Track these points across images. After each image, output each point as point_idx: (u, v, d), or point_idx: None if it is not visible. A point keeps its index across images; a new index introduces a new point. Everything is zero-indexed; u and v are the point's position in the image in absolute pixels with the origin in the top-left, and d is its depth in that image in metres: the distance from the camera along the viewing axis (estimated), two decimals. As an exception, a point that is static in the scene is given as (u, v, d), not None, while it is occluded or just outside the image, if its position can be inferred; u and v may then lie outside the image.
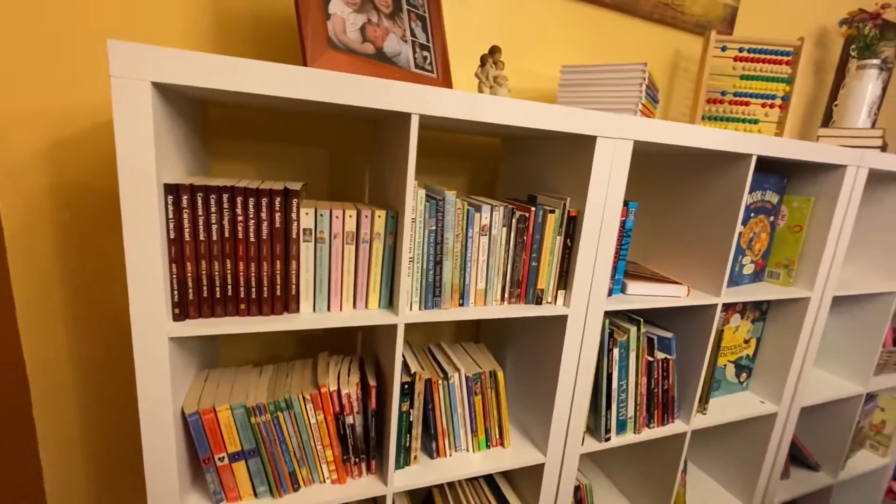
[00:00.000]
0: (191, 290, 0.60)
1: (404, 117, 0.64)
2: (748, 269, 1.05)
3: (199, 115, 0.76)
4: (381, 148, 0.81)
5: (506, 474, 1.01)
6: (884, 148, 1.18)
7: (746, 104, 1.12)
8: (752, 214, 1.01)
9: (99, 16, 0.75)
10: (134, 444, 0.94)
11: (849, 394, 1.24)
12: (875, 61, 1.25)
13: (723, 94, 1.13)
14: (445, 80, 0.81)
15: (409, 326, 1.09)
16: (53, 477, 0.89)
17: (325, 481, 0.74)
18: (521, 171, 0.94)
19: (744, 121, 1.12)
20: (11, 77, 0.73)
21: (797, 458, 1.37)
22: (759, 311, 1.13)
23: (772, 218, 1.07)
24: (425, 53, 0.78)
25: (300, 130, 0.91)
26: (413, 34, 0.76)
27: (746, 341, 1.14)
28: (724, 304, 1.04)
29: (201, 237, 0.59)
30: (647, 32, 1.17)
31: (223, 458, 0.67)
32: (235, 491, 0.69)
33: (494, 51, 0.83)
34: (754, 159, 0.86)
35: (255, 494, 0.71)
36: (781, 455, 1.17)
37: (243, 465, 0.69)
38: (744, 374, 1.17)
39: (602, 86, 0.85)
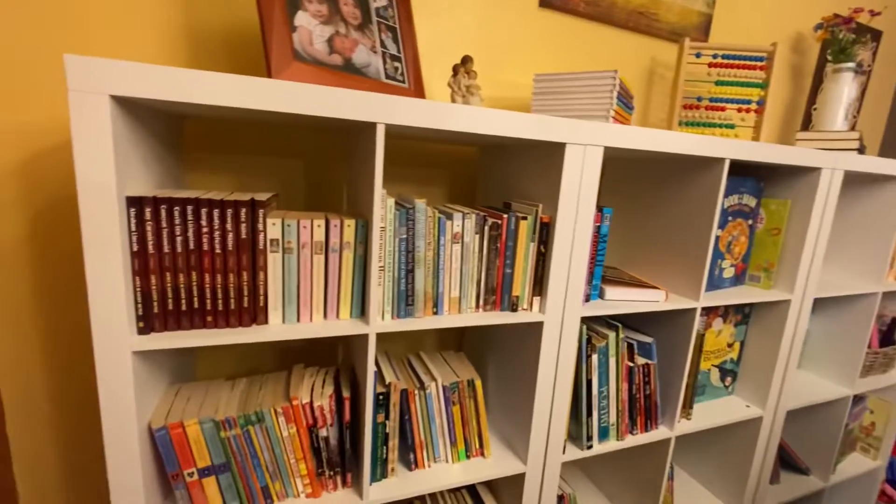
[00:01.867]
0: (156, 303, 0.59)
1: (371, 127, 0.64)
2: (728, 273, 1.05)
3: (172, 129, 0.76)
4: (355, 158, 0.81)
5: (488, 484, 1.00)
6: (861, 150, 1.19)
7: (722, 109, 1.13)
8: (730, 218, 1.02)
9: (76, 32, 0.76)
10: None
11: (835, 396, 1.24)
12: (850, 64, 1.27)
13: (699, 99, 1.14)
14: (417, 91, 0.81)
15: (389, 336, 1.08)
16: (28, 495, 0.88)
17: (298, 496, 0.73)
18: (498, 180, 0.95)
19: (720, 125, 1.13)
20: (-19, 93, 0.73)
21: (787, 462, 1.36)
22: (742, 314, 1.13)
23: (750, 221, 1.07)
24: (396, 64, 0.79)
25: (277, 142, 0.91)
26: (383, 45, 0.77)
27: (730, 345, 1.13)
28: (703, 308, 1.04)
29: (165, 249, 0.58)
30: (623, 40, 1.18)
31: (192, 473, 0.66)
32: (206, 507, 0.68)
33: (466, 60, 0.84)
34: (727, 163, 0.87)
35: (227, 511, 0.69)
36: (769, 459, 1.16)
37: (214, 480, 0.67)
38: (729, 378, 1.16)
39: (574, 93, 0.86)
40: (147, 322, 0.59)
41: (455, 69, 0.84)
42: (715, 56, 1.12)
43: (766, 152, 0.90)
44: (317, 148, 0.94)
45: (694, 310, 0.92)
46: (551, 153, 0.77)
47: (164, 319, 0.60)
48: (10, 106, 0.75)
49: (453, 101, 0.84)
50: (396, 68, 0.78)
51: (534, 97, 0.90)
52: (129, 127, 0.57)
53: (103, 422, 0.58)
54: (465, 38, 1.02)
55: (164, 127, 0.71)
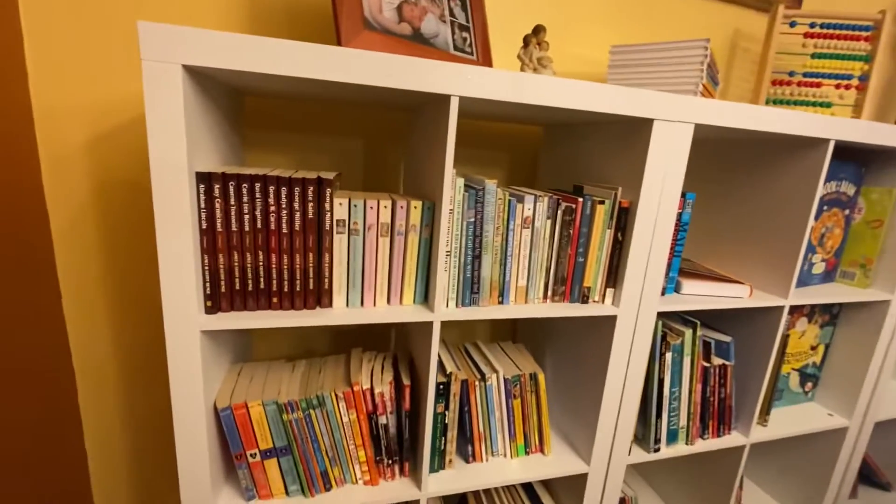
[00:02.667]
0: (223, 283, 0.58)
1: (443, 100, 0.59)
2: (818, 269, 0.95)
3: (235, 105, 0.74)
4: (418, 136, 0.77)
5: (545, 483, 0.96)
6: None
7: (818, 85, 1.01)
8: (826, 207, 0.91)
9: (138, 5, 0.75)
10: (172, 436, 0.94)
11: (931, 409, 1.11)
12: (971, 35, 1.10)
13: (791, 74, 1.02)
14: (486, 63, 0.76)
15: (445, 323, 1.05)
16: (97, 465, 0.91)
17: (357, 482, 0.72)
18: (565, 161, 0.88)
19: (815, 104, 1.01)
20: (55, 72, 0.74)
21: (865, 475, 1.24)
22: (830, 314, 1.02)
23: (847, 211, 0.96)
24: (465, 34, 0.73)
25: (334, 121, 0.88)
26: (452, 14, 0.72)
27: (813, 348, 1.03)
28: (791, 307, 0.94)
29: (233, 228, 0.57)
30: (703, 10, 1.07)
31: (255, 454, 0.66)
32: (267, 488, 0.68)
33: (538, 30, 0.77)
34: (832, 145, 0.77)
35: (287, 493, 0.69)
36: (851, 473, 1.06)
37: (275, 462, 0.67)
38: (809, 384, 1.06)
39: (657, 66, 0.78)
40: (214, 302, 0.58)
41: (526, 40, 0.78)
42: (812, 25, 0.99)
43: (880, 133, 0.79)
44: (374, 126, 0.91)
45: (781, 308, 0.84)
46: (634, 131, 0.70)
47: (230, 299, 0.59)
48: (81, 85, 0.75)
49: (523, 75, 0.78)
50: (465, 39, 0.73)
51: (609, 70, 0.82)
52: (198, 100, 0.55)
53: (172, 400, 0.58)
54: (533, 7, 0.95)
55: (227, 102, 0.69)
